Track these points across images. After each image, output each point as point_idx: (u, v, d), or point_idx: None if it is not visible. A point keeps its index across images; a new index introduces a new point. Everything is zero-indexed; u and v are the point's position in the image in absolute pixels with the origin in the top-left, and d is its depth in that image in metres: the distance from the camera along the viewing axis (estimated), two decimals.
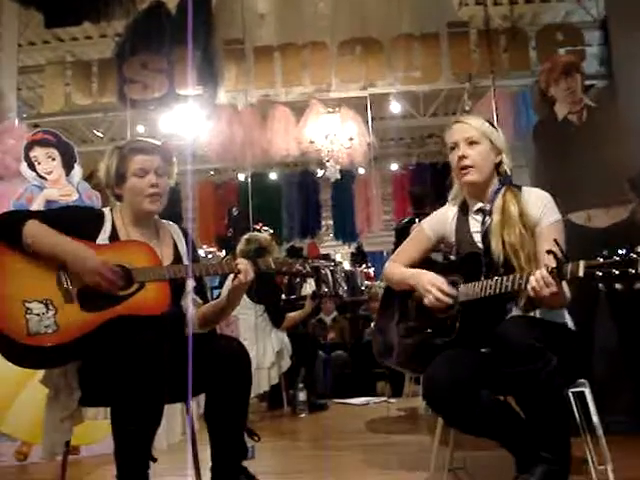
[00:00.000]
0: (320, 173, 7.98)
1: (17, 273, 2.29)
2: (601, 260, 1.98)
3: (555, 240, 2.16)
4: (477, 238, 2.53)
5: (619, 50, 5.40)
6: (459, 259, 2.60)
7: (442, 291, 2.42)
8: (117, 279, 2.31)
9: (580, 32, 5.86)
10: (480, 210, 2.56)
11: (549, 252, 2.11)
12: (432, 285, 2.45)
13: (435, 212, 2.75)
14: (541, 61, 5.59)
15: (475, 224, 2.56)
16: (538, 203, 2.47)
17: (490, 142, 2.54)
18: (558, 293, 2.13)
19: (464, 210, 2.63)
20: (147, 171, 2.52)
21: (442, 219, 2.69)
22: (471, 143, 2.52)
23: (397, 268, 2.70)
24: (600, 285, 1.98)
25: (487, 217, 2.52)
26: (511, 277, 2.24)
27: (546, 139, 4.06)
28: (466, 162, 2.50)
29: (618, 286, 1.94)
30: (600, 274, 1.97)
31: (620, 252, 1.96)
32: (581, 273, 2.02)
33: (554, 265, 2.09)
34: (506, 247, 2.39)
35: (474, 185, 2.54)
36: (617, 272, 1.94)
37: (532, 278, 2.13)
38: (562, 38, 5.79)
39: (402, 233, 7.51)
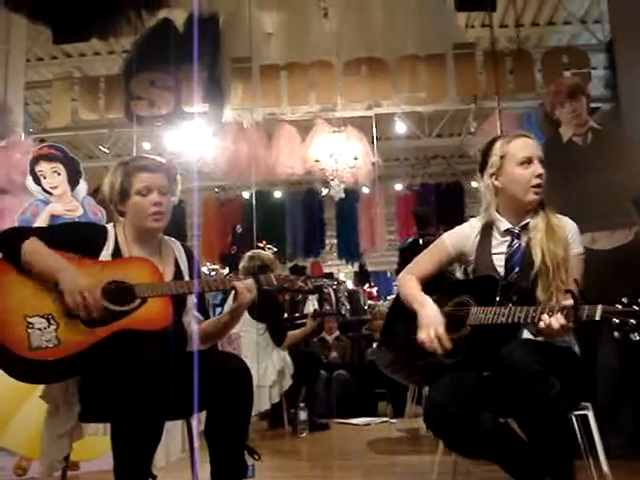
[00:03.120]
0: (324, 192, 8.01)
1: (19, 288, 2.29)
2: (619, 307, 1.96)
3: (575, 280, 2.15)
4: (497, 261, 2.49)
5: (624, 73, 5.42)
6: (474, 279, 2.57)
7: (439, 339, 2.35)
8: (96, 311, 2.27)
9: (586, 55, 5.88)
10: (508, 231, 2.52)
11: (567, 291, 2.10)
12: (434, 328, 2.37)
13: (459, 226, 2.69)
14: (546, 83, 5.60)
15: (499, 246, 2.52)
16: (567, 230, 2.46)
17: None
18: (568, 330, 2.13)
19: (489, 229, 2.58)
20: (151, 189, 2.52)
21: (465, 235, 2.63)
22: (542, 163, 2.50)
23: (411, 284, 2.62)
24: (615, 334, 1.95)
25: (515, 240, 2.49)
26: (524, 309, 2.20)
27: (551, 161, 4.03)
28: (541, 181, 2.47)
29: (633, 337, 1.91)
30: (617, 322, 1.94)
31: None
32: (597, 317, 2.00)
33: (571, 304, 2.08)
34: (552, 259, 2.35)
35: (531, 204, 2.49)
36: (634, 322, 1.91)
37: (545, 315, 2.12)
38: (568, 60, 5.82)
39: (406, 253, 7.54)
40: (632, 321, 1.92)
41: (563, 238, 2.41)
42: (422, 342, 2.38)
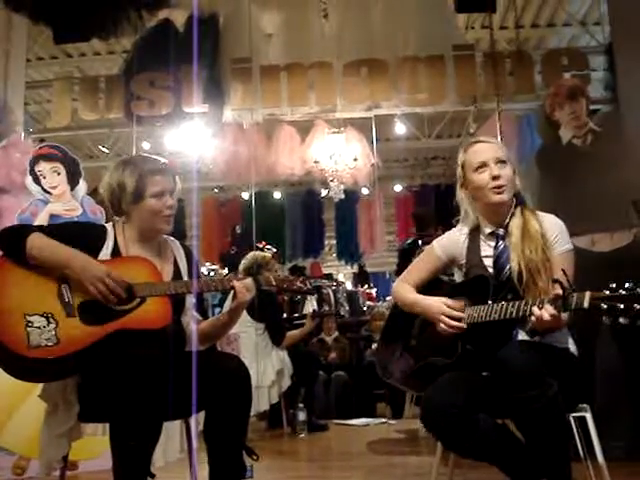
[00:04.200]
0: (324, 193, 8.01)
1: (18, 287, 2.30)
2: (607, 292, 1.97)
3: (563, 270, 2.16)
4: (488, 262, 2.51)
5: (624, 75, 5.42)
6: (467, 282, 2.59)
7: (452, 317, 2.40)
8: (120, 291, 2.32)
9: (585, 56, 5.88)
10: (493, 234, 2.54)
11: (555, 281, 2.11)
12: (441, 314, 2.43)
13: (447, 233, 2.73)
14: (546, 85, 5.60)
15: (487, 249, 2.55)
16: (553, 228, 2.47)
17: (510, 163, 2.54)
18: (558, 321, 2.14)
19: (476, 233, 2.61)
20: (164, 193, 2.53)
21: (453, 240, 2.66)
22: (501, 163, 2.50)
23: (406, 291, 2.67)
24: (604, 318, 1.97)
25: (500, 241, 2.51)
26: (516, 303, 2.23)
27: (550, 163, 4.07)
28: (502, 181, 2.47)
29: (622, 320, 1.93)
30: (605, 307, 1.96)
31: (627, 286, 1.95)
32: (586, 304, 2.01)
33: (560, 294, 2.09)
34: (527, 264, 2.37)
35: (499, 205, 2.51)
36: (622, 307, 1.93)
37: (535, 308, 2.14)
38: (567, 62, 5.81)
39: (405, 254, 7.54)
40: (620, 305, 1.93)
41: (539, 241, 2.41)
42: (443, 330, 2.42)
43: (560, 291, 2.09)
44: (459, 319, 2.40)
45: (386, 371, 2.71)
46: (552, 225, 2.48)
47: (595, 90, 5.75)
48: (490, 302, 2.34)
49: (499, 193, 2.48)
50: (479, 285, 2.45)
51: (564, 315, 2.21)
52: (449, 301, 2.45)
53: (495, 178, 2.48)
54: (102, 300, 2.30)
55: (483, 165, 2.51)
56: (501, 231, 2.52)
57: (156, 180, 2.52)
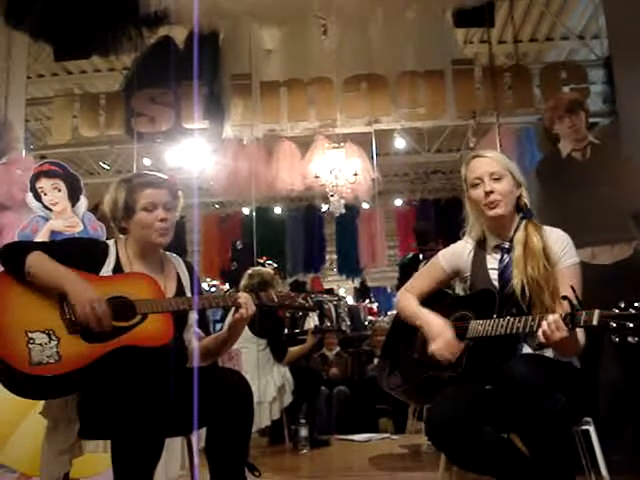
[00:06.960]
0: (324, 208, 8.02)
1: (20, 303, 2.29)
2: (616, 311, 1.97)
3: (572, 286, 2.15)
4: (493, 276, 2.51)
5: (623, 88, 5.43)
6: (472, 295, 2.58)
7: (449, 345, 2.40)
8: (107, 321, 2.29)
9: (584, 70, 5.90)
10: (498, 247, 2.54)
11: (564, 298, 2.11)
12: (442, 336, 2.42)
13: (453, 245, 2.72)
14: (545, 98, 5.62)
15: (492, 261, 2.54)
16: (559, 242, 2.46)
17: (512, 176, 2.53)
18: (570, 339, 2.11)
19: (482, 245, 2.60)
20: (156, 205, 2.53)
21: (459, 252, 2.66)
22: (496, 179, 2.49)
23: (409, 302, 2.66)
24: (613, 337, 1.96)
25: (505, 255, 2.50)
26: (523, 318, 2.22)
27: (550, 176, 4.06)
28: (494, 197, 2.47)
29: (631, 339, 1.93)
30: (614, 325, 1.95)
31: (636, 305, 1.94)
32: (595, 322, 2.00)
33: (568, 311, 2.08)
34: (529, 281, 2.37)
35: (499, 219, 2.51)
36: (631, 325, 1.92)
37: (544, 322, 2.12)
38: (566, 76, 5.84)
39: (406, 269, 7.55)
40: (629, 324, 1.93)
41: (542, 257, 2.40)
42: (434, 352, 2.41)
43: (568, 309, 2.08)
44: (452, 353, 2.39)
45: (388, 382, 2.70)
46: (558, 239, 2.48)
47: (594, 103, 5.76)
48: (495, 316, 2.33)
49: (492, 208, 2.48)
50: (484, 299, 2.44)
51: (581, 341, 2.21)
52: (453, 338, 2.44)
53: (487, 194, 2.48)
54: (87, 324, 2.27)
55: (478, 181, 2.52)
56: (507, 244, 2.52)
57: (146, 193, 2.52)
